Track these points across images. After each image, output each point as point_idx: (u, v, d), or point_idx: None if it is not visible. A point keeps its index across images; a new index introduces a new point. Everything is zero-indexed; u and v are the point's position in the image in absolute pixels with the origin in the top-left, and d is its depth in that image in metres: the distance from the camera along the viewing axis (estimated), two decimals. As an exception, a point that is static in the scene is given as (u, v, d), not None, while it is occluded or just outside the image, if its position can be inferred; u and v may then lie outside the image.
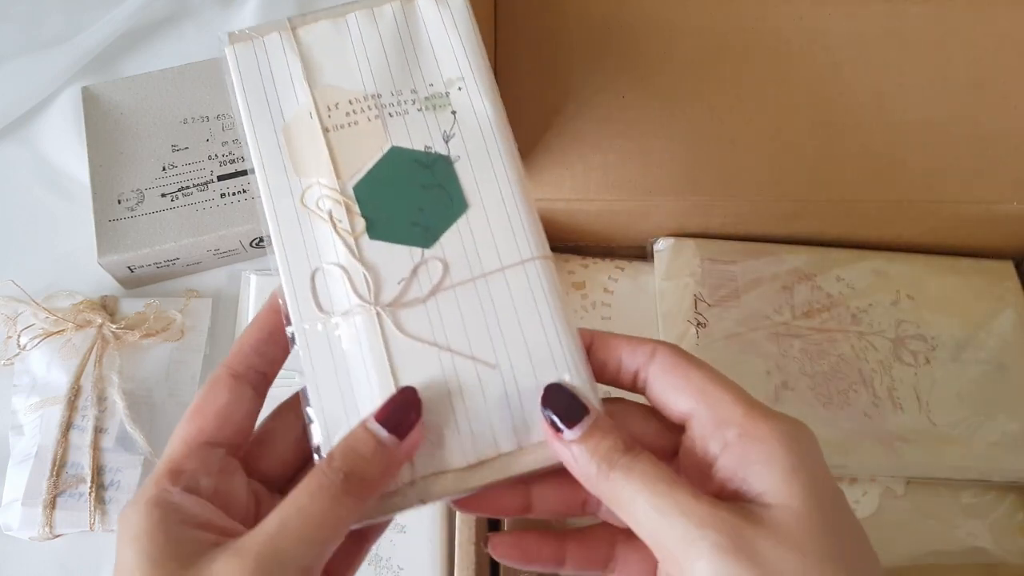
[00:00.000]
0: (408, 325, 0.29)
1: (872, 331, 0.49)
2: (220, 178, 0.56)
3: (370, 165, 0.31)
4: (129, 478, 0.49)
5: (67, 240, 0.59)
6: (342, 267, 0.30)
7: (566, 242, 0.54)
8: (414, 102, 0.32)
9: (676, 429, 0.29)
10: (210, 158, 0.57)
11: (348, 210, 0.30)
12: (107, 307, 0.54)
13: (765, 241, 0.52)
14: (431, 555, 0.47)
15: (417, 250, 0.30)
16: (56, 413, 0.50)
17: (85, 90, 0.58)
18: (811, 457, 0.26)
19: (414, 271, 0.30)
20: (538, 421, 0.28)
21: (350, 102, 0.32)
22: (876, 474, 0.47)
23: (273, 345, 0.30)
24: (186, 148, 0.57)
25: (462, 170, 0.31)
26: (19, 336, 0.52)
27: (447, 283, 0.30)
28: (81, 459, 0.49)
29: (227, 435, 0.28)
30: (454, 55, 0.32)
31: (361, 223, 0.30)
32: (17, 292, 0.53)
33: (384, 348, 0.29)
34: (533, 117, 0.49)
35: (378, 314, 0.29)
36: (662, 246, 0.52)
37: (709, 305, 0.49)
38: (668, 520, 0.25)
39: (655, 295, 0.51)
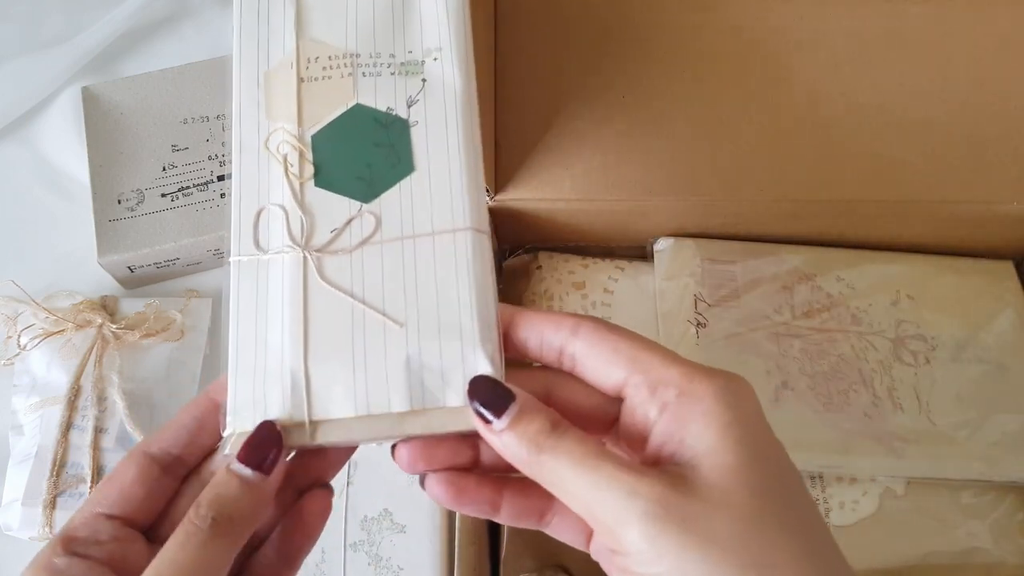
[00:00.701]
0: (329, 272, 0.30)
1: (872, 331, 0.49)
2: (220, 178, 0.56)
3: (332, 117, 0.32)
4: (129, 478, 0.49)
5: (67, 240, 0.59)
6: (283, 208, 0.31)
7: (566, 242, 0.54)
8: (389, 66, 0.33)
9: (616, 399, 0.29)
10: (210, 158, 0.57)
11: (301, 155, 0.32)
12: (107, 307, 0.54)
13: (765, 241, 0.52)
14: (431, 555, 0.47)
15: (356, 203, 0.31)
16: (56, 413, 0.50)
17: (85, 90, 0.58)
18: (747, 412, 0.26)
19: (348, 222, 0.31)
20: (434, 387, 0.29)
21: (329, 57, 0.33)
22: (876, 474, 0.47)
23: (200, 433, 0.30)
24: (186, 148, 0.57)
25: (417, 135, 0.32)
26: (19, 336, 0.52)
27: (376, 238, 0.31)
28: (81, 459, 0.49)
29: (126, 510, 0.28)
30: (438, 27, 0.33)
31: (310, 169, 0.32)
32: (17, 292, 0.53)
33: (303, 291, 0.30)
34: (533, 117, 0.49)
35: (304, 257, 0.30)
36: (662, 246, 0.52)
37: (709, 305, 0.49)
38: (598, 493, 0.25)
39: (655, 295, 0.51)
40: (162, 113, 0.58)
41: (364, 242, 0.30)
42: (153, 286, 0.58)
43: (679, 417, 0.26)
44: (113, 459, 0.49)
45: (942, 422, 0.47)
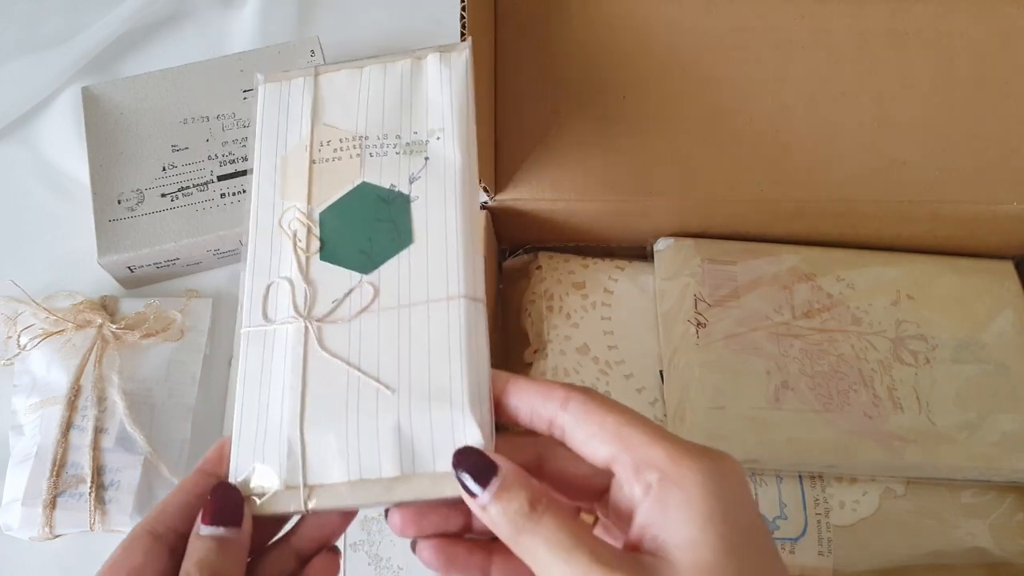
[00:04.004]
0: (328, 341, 0.32)
1: (872, 331, 0.49)
2: (220, 178, 0.56)
3: (339, 195, 0.34)
4: (129, 478, 0.49)
5: (67, 240, 0.59)
6: (290, 281, 0.33)
7: (566, 242, 0.54)
8: (395, 146, 0.35)
9: (607, 470, 0.29)
10: (210, 158, 0.57)
11: (309, 231, 0.34)
12: (107, 307, 0.54)
13: (765, 241, 0.52)
14: (431, 555, 0.47)
15: (356, 274, 0.33)
16: (56, 413, 0.50)
17: (85, 90, 0.58)
18: (731, 499, 0.26)
19: (348, 292, 0.32)
20: (424, 453, 0.29)
21: (340, 140, 0.35)
22: (876, 474, 0.47)
23: (199, 508, 0.30)
24: (186, 148, 0.57)
25: (417, 209, 0.33)
26: (19, 336, 0.52)
27: (374, 306, 0.32)
28: (81, 459, 0.49)
29: None
30: (442, 109, 0.35)
31: (316, 244, 0.33)
32: (17, 292, 0.53)
33: (303, 359, 0.31)
34: (533, 117, 0.49)
35: (306, 327, 0.32)
36: (662, 246, 0.52)
37: (709, 305, 0.49)
38: None
39: (655, 295, 0.51)
40: (162, 113, 0.58)
41: (362, 311, 0.32)
42: (153, 286, 0.58)
43: (661, 502, 0.26)
44: (113, 459, 0.49)
45: (942, 422, 0.47)
